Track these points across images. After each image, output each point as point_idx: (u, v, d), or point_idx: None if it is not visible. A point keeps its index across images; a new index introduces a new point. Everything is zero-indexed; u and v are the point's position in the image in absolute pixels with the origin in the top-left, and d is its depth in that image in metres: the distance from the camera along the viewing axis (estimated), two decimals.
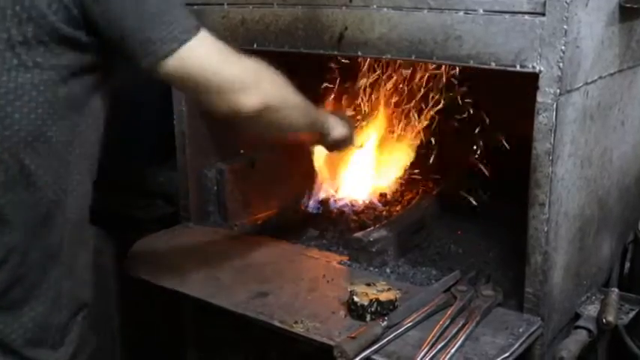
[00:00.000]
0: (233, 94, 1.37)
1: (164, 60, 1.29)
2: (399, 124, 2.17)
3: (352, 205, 2.12)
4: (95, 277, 2.27)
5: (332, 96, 2.15)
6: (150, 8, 1.28)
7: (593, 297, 1.74)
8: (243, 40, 1.84)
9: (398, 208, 2.10)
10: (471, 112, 2.04)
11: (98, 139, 1.43)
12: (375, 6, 1.61)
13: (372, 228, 1.89)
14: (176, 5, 1.33)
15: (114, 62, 1.37)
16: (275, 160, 2.17)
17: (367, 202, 2.13)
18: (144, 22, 1.28)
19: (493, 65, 1.47)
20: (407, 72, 2.08)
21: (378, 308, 1.52)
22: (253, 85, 1.40)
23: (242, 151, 2.17)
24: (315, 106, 1.65)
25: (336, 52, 1.73)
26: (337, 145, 1.80)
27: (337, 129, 1.74)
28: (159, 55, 1.29)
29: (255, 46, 1.82)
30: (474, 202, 2.07)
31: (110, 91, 1.42)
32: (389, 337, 1.46)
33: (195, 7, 1.91)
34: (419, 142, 2.14)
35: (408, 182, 2.20)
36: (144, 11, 1.28)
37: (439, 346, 1.42)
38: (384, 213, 2.06)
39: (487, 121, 2.04)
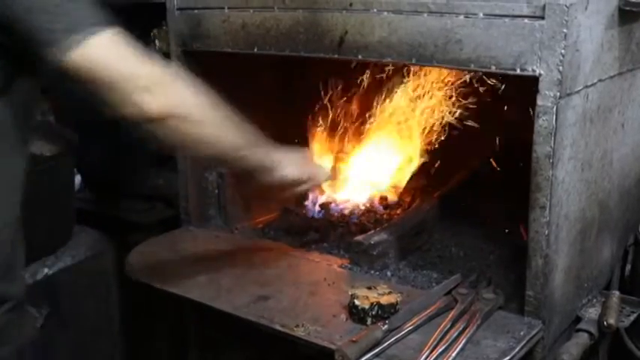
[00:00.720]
0: (137, 93, 1.29)
1: (68, 51, 1.23)
2: (402, 128, 2.17)
3: (353, 209, 2.12)
4: (96, 280, 2.29)
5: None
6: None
7: (594, 300, 1.74)
8: (244, 44, 1.84)
9: (399, 211, 2.10)
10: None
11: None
12: (375, 10, 1.62)
13: (372, 231, 1.90)
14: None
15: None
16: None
17: (368, 205, 2.12)
18: (48, 13, 1.22)
19: (493, 69, 1.47)
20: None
21: (379, 312, 1.52)
22: (160, 87, 1.31)
23: None
24: (258, 135, 1.53)
25: (336, 56, 1.73)
26: (288, 186, 1.66)
27: (288, 168, 1.60)
28: (62, 46, 1.23)
29: (255, 49, 1.82)
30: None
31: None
32: (390, 341, 1.46)
33: (196, 10, 1.92)
34: (422, 146, 2.14)
35: (409, 185, 2.20)
36: (49, 2, 1.23)
37: (440, 350, 1.42)
38: (385, 216, 2.07)
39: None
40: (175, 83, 1.36)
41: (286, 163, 1.61)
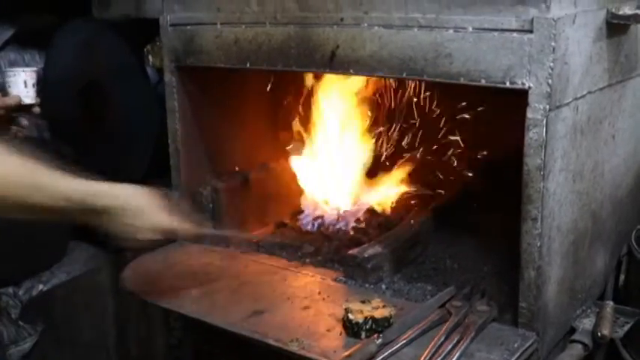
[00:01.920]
0: None
1: None
2: (393, 142, 2.18)
3: (347, 222, 2.12)
4: (91, 296, 2.29)
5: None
6: None
7: (589, 310, 1.74)
8: (237, 59, 1.85)
9: (393, 223, 2.10)
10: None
11: None
12: (366, 24, 1.63)
13: (367, 244, 1.90)
14: None
15: None
16: (270, 177, 2.18)
17: (362, 218, 2.13)
18: None
19: (483, 82, 1.48)
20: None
21: (373, 325, 1.52)
22: None
23: (237, 169, 2.18)
24: (84, 179, 1.43)
25: (328, 70, 1.74)
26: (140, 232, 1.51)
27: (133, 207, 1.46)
28: None
29: (248, 65, 1.83)
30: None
31: None
32: (384, 355, 1.46)
33: (189, 26, 1.93)
34: (413, 158, 2.15)
35: (402, 198, 2.20)
36: None
37: None
38: (379, 229, 2.07)
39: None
40: None
41: (127, 201, 1.49)
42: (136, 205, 1.50)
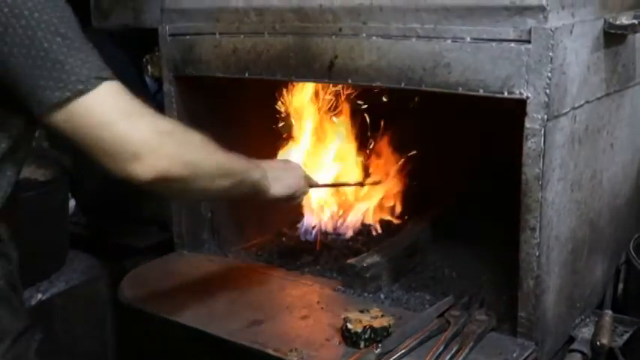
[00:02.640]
0: (124, 161, 1.22)
1: (52, 110, 1.17)
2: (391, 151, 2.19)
3: (346, 231, 2.12)
4: (90, 305, 2.28)
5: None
6: (44, 50, 1.16)
7: (587, 319, 1.74)
8: (236, 69, 1.86)
9: (392, 232, 2.11)
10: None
11: None
12: (364, 34, 1.63)
13: (365, 253, 1.90)
14: (79, 48, 1.20)
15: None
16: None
17: (361, 227, 2.13)
18: (36, 66, 1.16)
19: (481, 92, 1.49)
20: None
21: (372, 335, 1.52)
22: (151, 152, 1.24)
23: None
24: (246, 160, 1.52)
25: (326, 80, 1.75)
26: (284, 201, 1.68)
27: (276, 186, 1.61)
28: (46, 104, 1.17)
29: (247, 74, 1.84)
30: None
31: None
32: None
33: (188, 36, 1.94)
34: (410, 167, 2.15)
35: (401, 206, 2.21)
36: (37, 54, 1.16)
37: None
38: (378, 238, 2.07)
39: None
40: (171, 144, 1.29)
41: (275, 185, 1.61)
42: (276, 182, 1.62)
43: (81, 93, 1.18)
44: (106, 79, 1.21)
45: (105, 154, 1.23)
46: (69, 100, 1.17)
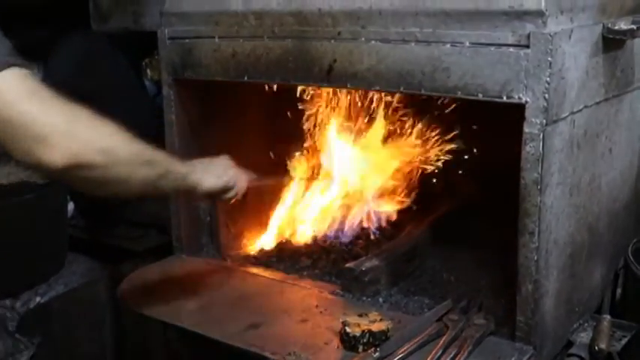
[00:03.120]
0: (33, 145, 1.19)
1: None
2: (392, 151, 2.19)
3: (345, 234, 2.12)
4: (88, 308, 2.28)
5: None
6: None
7: (586, 324, 1.74)
8: (235, 73, 1.86)
9: (391, 236, 2.10)
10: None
11: None
12: (363, 38, 1.64)
13: (364, 257, 1.90)
14: None
15: None
16: (267, 189, 2.18)
17: (359, 230, 2.13)
18: None
19: (480, 96, 1.49)
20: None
21: (371, 339, 1.52)
22: (61, 138, 1.21)
23: None
24: (170, 156, 1.53)
25: (325, 84, 1.75)
26: (219, 194, 1.68)
27: (207, 177, 1.61)
28: None
29: (246, 78, 1.84)
30: None
31: None
32: None
33: (187, 40, 1.94)
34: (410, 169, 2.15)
35: (400, 211, 2.20)
36: None
37: None
38: (377, 242, 2.07)
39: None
40: (82, 131, 1.26)
41: (206, 177, 1.61)
42: (203, 178, 1.61)
43: None
44: (14, 65, 1.21)
45: (12, 139, 1.20)
46: None
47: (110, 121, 1.34)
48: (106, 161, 1.30)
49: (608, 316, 1.73)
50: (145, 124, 2.41)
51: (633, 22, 1.60)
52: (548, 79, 1.40)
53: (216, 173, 1.67)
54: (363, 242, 2.07)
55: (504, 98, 1.46)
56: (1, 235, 2.05)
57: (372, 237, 2.09)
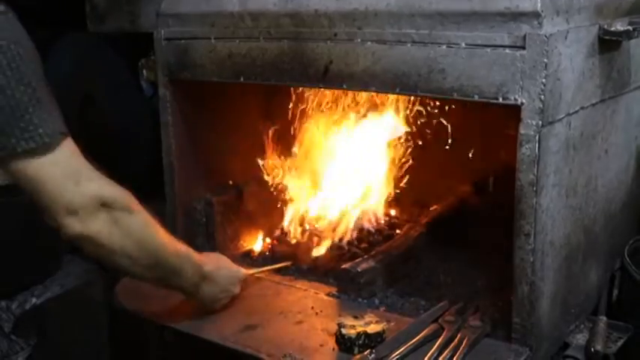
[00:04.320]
0: (61, 215, 1.38)
1: (14, 158, 1.32)
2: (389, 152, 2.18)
3: (341, 236, 2.12)
4: (85, 310, 2.28)
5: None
6: (14, 101, 1.29)
7: (582, 325, 1.74)
8: (230, 74, 1.86)
9: (387, 237, 2.10)
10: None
11: None
12: (359, 40, 1.63)
13: (360, 259, 1.90)
14: (45, 104, 1.33)
15: None
16: (264, 190, 2.18)
17: (356, 232, 2.12)
18: (4, 114, 1.29)
19: (476, 98, 1.49)
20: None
21: (366, 341, 1.52)
22: (86, 215, 1.38)
23: (230, 182, 2.17)
24: (187, 258, 1.61)
25: (321, 85, 1.75)
26: (210, 303, 1.72)
27: (206, 289, 1.67)
28: (8, 152, 1.31)
29: (242, 79, 1.84)
30: None
31: None
32: None
33: (183, 41, 1.93)
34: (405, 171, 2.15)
35: (397, 212, 2.20)
36: (7, 103, 1.29)
37: None
38: (373, 243, 2.06)
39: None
40: (102, 215, 1.40)
41: (210, 289, 1.69)
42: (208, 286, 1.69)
43: (46, 146, 1.33)
44: (65, 136, 1.35)
45: (46, 205, 1.38)
46: (33, 151, 1.32)
47: (143, 212, 1.50)
48: (115, 249, 1.46)
49: (604, 318, 1.72)
50: (141, 125, 2.42)
51: (629, 24, 1.60)
52: (544, 80, 1.40)
53: (222, 286, 1.72)
54: (359, 243, 2.07)
55: (500, 100, 1.46)
56: None
57: (369, 238, 2.08)
